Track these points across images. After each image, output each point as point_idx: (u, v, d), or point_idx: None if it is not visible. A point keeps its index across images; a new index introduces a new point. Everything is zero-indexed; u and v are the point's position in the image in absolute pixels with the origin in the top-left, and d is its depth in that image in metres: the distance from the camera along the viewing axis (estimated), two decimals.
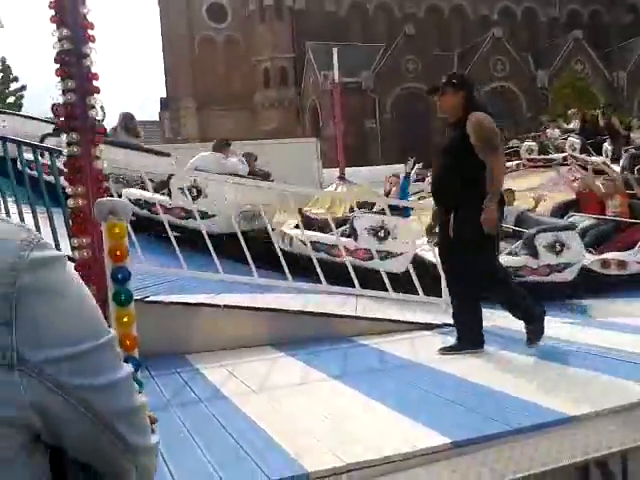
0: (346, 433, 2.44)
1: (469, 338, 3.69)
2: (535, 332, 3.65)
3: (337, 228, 6.03)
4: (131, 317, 1.83)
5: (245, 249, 4.74)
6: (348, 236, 6.20)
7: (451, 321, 4.44)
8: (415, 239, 5.99)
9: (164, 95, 52.05)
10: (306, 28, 47.70)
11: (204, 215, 6.24)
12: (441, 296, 4.76)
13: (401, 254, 5.80)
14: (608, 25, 52.48)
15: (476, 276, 3.64)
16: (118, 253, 1.81)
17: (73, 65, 2.98)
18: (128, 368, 0.64)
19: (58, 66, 3.01)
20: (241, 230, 5.30)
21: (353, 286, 4.98)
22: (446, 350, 3.66)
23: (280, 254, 5.01)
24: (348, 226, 6.34)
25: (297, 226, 7.01)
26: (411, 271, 5.02)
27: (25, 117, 9.32)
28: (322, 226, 6.88)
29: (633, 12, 51.84)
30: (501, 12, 52.09)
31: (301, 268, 5.47)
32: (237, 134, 37.40)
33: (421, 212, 6.40)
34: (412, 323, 4.45)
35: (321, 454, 2.21)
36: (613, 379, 2.99)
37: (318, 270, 4.75)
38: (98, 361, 0.61)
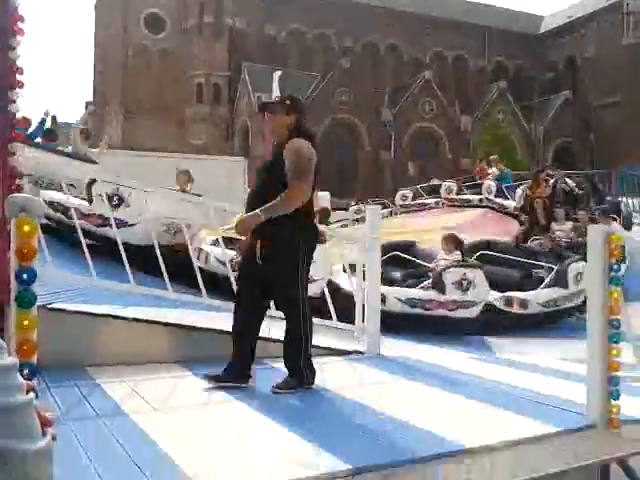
0: (245, 456, 2.40)
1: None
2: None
3: None
4: (32, 322, 1.74)
5: (160, 261, 4.61)
6: None
7: (362, 348, 4.50)
8: (331, 265, 6.07)
9: (90, 99, 50.54)
10: (243, 48, 47.84)
11: (124, 224, 6.05)
12: (354, 323, 4.81)
13: (317, 280, 5.83)
14: (530, 79, 55.72)
15: (282, 299, 3.56)
16: (25, 251, 1.71)
17: None
18: (7, 361, 0.57)
19: None
20: (162, 244, 5.16)
21: None
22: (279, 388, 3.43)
23: (197, 269, 4.92)
24: None
25: (215, 243, 6.94)
26: (327, 296, 5.04)
27: None
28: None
29: (553, 70, 55.31)
30: (433, 56, 54.26)
31: (216, 286, 5.37)
32: (164, 145, 36.77)
33: (337, 240, 6.51)
34: (323, 348, 4.46)
35: (219, 477, 2.16)
36: (509, 413, 3.10)
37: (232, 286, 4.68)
38: None
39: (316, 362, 3.61)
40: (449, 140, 46.95)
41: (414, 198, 16.16)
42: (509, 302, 7.34)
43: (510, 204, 13.17)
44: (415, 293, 6.70)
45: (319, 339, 4.66)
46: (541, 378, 4.24)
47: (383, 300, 6.28)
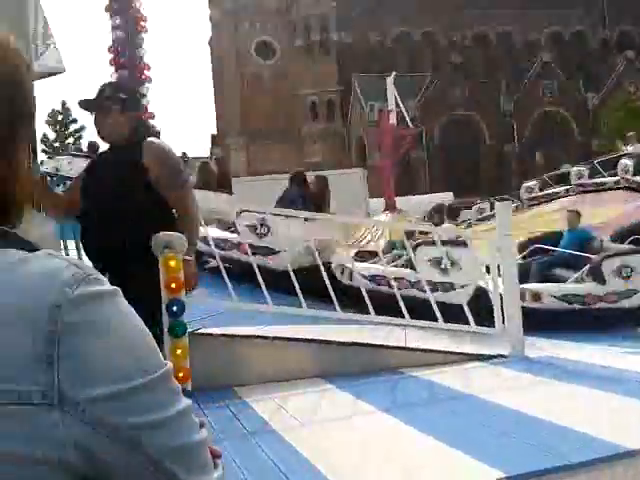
0: (394, 468, 2.40)
1: None
2: None
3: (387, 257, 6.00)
4: (185, 349, 1.87)
5: (294, 281, 4.75)
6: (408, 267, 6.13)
7: (505, 351, 4.35)
8: (479, 270, 5.92)
9: (214, 132, 53.48)
10: (352, 61, 48.37)
11: (271, 252, 6.33)
12: (494, 326, 4.66)
13: (464, 286, 5.74)
14: None
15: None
16: (173, 286, 1.85)
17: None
18: (185, 402, 0.60)
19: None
20: (306, 265, 5.37)
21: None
22: None
23: (329, 286, 5.00)
24: (406, 257, 6.26)
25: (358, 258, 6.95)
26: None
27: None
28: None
29: None
30: (549, 37, 51.62)
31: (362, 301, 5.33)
32: (283, 167, 37.95)
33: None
34: (463, 354, 4.36)
35: None
36: None
37: (367, 301, 4.72)
38: (150, 397, 0.57)
39: (459, 368, 3.55)
40: (577, 122, 44.30)
41: (541, 189, 15.13)
42: None
43: None
44: (571, 288, 6.36)
45: (457, 345, 4.58)
46: None
47: (538, 298, 6.11)
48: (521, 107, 44.02)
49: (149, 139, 2.88)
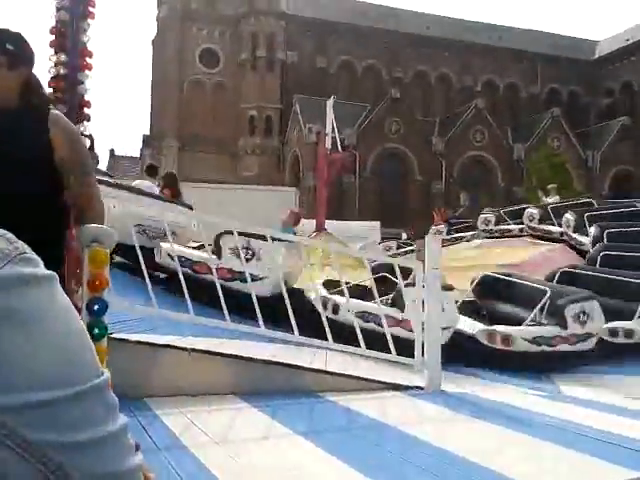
0: None
1: None
2: None
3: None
4: (103, 354, 1.73)
5: (221, 296, 4.61)
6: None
7: (422, 383, 4.37)
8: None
9: (147, 132, 52.31)
10: (295, 81, 48.77)
11: (254, 278, 5.89)
12: (413, 356, 4.69)
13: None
14: (586, 106, 54.69)
15: None
16: (97, 283, 1.71)
17: (67, 91, 2.95)
18: (121, 420, 0.50)
19: (51, 90, 2.97)
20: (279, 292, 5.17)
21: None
22: None
23: (255, 298, 4.89)
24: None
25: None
26: (385, 328, 4.94)
27: None
28: None
29: (610, 95, 54.16)
30: (485, 84, 53.99)
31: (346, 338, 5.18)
32: (218, 177, 37.57)
33: None
34: (381, 382, 4.35)
35: None
36: (583, 456, 2.92)
37: (292, 321, 4.65)
38: (79, 412, 0.46)
39: (377, 396, 3.52)
40: (502, 169, 46.31)
41: (497, 223, 15.13)
42: (614, 332, 7.19)
43: (556, 229, 12.60)
44: (542, 331, 6.62)
45: (377, 373, 4.56)
46: (613, 417, 4.01)
47: (508, 341, 6.30)
48: (452, 148, 45.62)
49: (53, 110, 2.28)
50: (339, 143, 16.55)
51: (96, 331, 1.69)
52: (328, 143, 16.50)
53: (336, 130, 16.44)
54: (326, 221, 15.40)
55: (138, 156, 50.39)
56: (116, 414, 0.50)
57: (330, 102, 16.22)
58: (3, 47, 2.21)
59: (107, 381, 0.50)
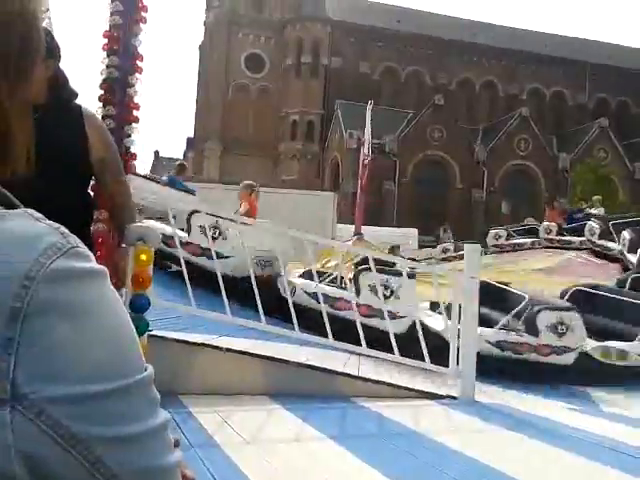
0: None
1: None
2: None
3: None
4: (144, 349, 1.78)
5: (257, 294, 4.67)
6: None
7: (455, 392, 4.33)
8: (418, 302, 6.05)
9: (191, 135, 53.21)
10: (338, 86, 48.87)
11: (219, 256, 6.23)
12: (448, 366, 4.65)
13: (403, 317, 5.82)
14: (635, 117, 53.27)
15: None
16: (141, 280, 1.76)
17: (117, 93, 3.03)
18: (163, 416, 0.50)
19: (102, 92, 3.06)
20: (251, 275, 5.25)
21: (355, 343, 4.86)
22: None
23: (290, 303, 4.93)
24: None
25: (302, 275, 7.01)
26: (420, 335, 4.91)
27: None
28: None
29: None
30: (530, 92, 53.13)
31: (303, 319, 5.34)
32: (258, 180, 37.84)
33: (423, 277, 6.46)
34: (415, 390, 4.33)
35: None
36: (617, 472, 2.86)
37: (327, 324, 4.66)
38: (123, 406, 0.46)
39: (409, 404, 3.50)
40: (546, 179, 45.45)
41: (507, 238, 15.54)
42: (606, 352, 6.87)
43: (615, 247, 12.43)
44: (505, 336, 6.41)
45: (409, 381, 4.54)
46: None
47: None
48: (494, 156, 44.97)
49: (84, 107, 2.19)
50: (369, 149, 16.63)
51: (138, 328, 1.73)
52: (367, 149, 16.52)
53: (369, 136, 16.50)
54: (366, 226, 15.41)
55: (182, 158, 51.24)
56: (158, 410, 0.50)
57: (369, 108, 16.22)
58: None
59: (151, 376, 0.50)
